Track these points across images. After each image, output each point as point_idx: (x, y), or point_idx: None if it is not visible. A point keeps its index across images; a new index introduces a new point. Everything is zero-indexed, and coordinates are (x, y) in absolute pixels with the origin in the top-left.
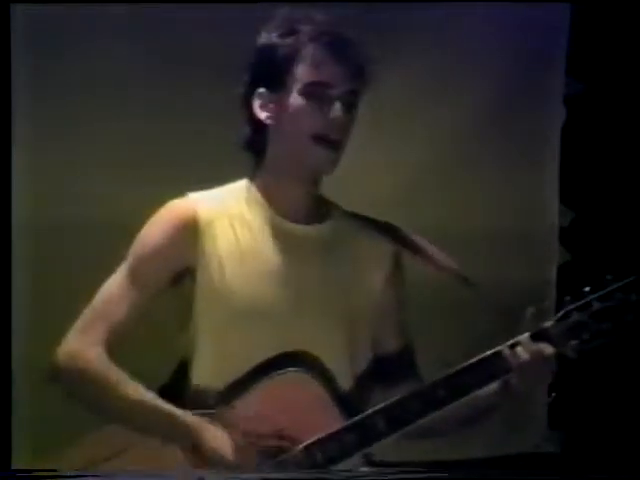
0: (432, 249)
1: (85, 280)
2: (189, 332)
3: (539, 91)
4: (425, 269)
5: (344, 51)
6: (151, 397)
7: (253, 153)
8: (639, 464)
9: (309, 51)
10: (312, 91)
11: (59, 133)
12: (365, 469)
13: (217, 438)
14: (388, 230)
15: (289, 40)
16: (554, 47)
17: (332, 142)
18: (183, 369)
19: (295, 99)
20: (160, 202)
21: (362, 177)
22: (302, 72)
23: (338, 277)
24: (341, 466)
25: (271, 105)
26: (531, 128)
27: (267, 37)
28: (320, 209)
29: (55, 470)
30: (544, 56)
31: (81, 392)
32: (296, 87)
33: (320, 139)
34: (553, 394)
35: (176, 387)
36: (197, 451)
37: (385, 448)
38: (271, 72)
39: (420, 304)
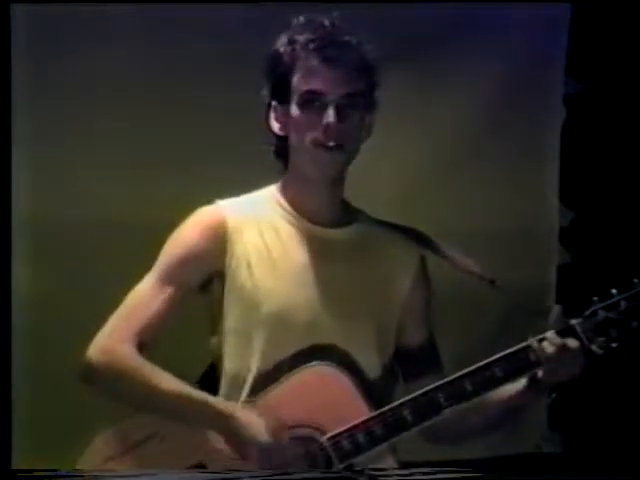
0: (456, 253)
1: (85, 280)
2: (220, 333)
3: (539, 91)
4: (449, 271)
5: (337, 55)
6: (184, 386)
7: (280, 161)
8: (639, 465)
9: (302, 60)
10: (307, 100)
11: (59, 133)
12: (363, 468)
13: (252, 421)
14: (413, 234)
15: (288, 49)
16: (554, 47)
17: (332, 148)
18: (213, 370)
19: (294, 109)
20: (160, 202)
21: (362, 177)
22: (297, 82)
23: (365, 278)
24: (368, 455)
25: (281, 116)
26: (531, 128)
27: (274, 47)
28: (346, 213)
29: (55, 470)
30: (544, 56)
31: (115, 387)
32: (294, 97)
33: (320, 146)
34: (554, 395)
35: (207, 388)
36: (232, 436)
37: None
38: (277, 84)
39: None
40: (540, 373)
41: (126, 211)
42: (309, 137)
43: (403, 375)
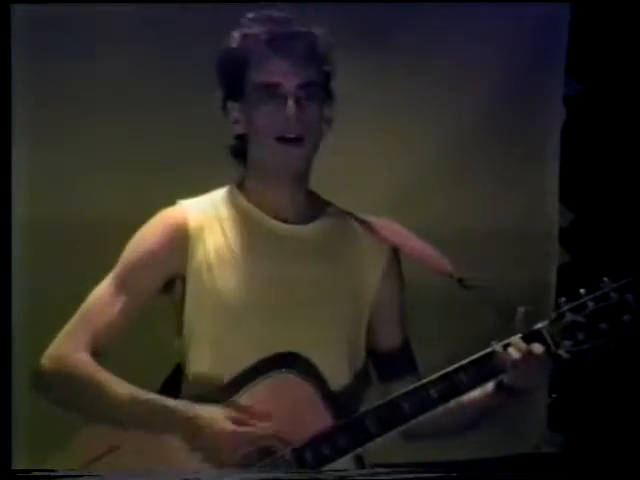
0: (428, 248)
1: (84, 280)
2: (182, 337)
3: (539, 91)
4: (420, 268)
5: (289, 46)
6: (141, 391)
7: (238, 159)
8: (639, 465)
9: (255, 53)
10: (264, 93)
11: (59, 133)
12: (364, 470)
13: (215, 414)
14: (382, 227)
15: (240, 45)
16: (554, 47)
17: (293, 140)
18: (178, 373)
19: (252, 105)
20: (159, 202)
21: (362, 177)
22: (252, 76)
23: (333, 277)
24: (331, 467)
25: (238, 114)
26: (531, 128)
27: (224, 44)
28: (312, 207)
29: (54, 470)
30: (544, 56)
31: (68, 396)
32: (250, 92)
33: (281, 139)
34: (553, 395)
35: (171, 391)
36: (196, 436)
37: (385, 448)
38: (231, 81)
39: (417, 302)
40: (507, 378)
41: (126, 211)
42: (269, 131)
43: (378, 377)
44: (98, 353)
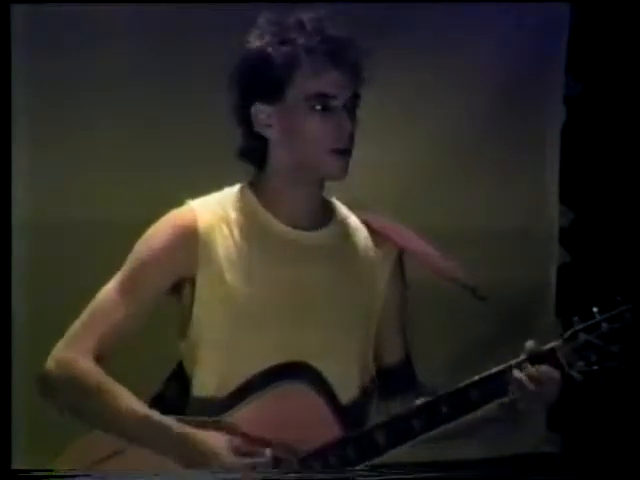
0: (437, 254)
1: (85, 281)
2: (188, 339)
3: (539, 91)
4: (427, 273)
5: (341, 55)
6: (143, 407)
7: (252, 162)
8: (638, 465)
9: (307, 61)
10: (316, 103)
11: (59, 133)
12: (363, 469)
13: (216, 443)
14: (392, 231)
15: (284, 49)
16: (554, 47)
17: (343, 152)
18: (179, 376)
19: (299, 112)
20: (160, 202)
21: (362, 177)
22: (303, 83)
23: (342, 281)
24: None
25: (270, 118)
26: (531, 128)
27: (258, 46)
28: (323, 213)
29: (54, 470)
30: (544, 56)
31: (72, 403)
32: (298, 99)
33: (332, 150)
34: None
35: (172, 395)
36: (194, 461)
37: None
38: (267, 84)
39: (418, 305)
40: (518, 396)
41: (126, 211)
42: (319, 141)
43: (379, 393)
44: (104, 357)
